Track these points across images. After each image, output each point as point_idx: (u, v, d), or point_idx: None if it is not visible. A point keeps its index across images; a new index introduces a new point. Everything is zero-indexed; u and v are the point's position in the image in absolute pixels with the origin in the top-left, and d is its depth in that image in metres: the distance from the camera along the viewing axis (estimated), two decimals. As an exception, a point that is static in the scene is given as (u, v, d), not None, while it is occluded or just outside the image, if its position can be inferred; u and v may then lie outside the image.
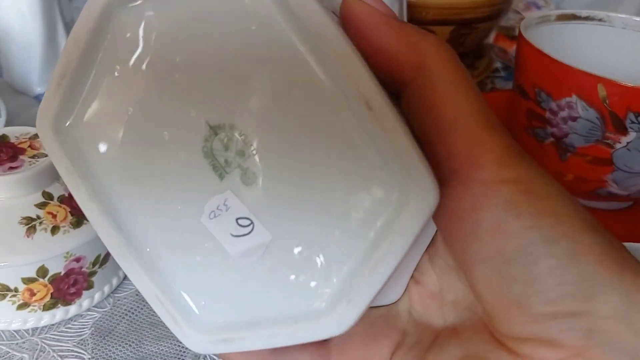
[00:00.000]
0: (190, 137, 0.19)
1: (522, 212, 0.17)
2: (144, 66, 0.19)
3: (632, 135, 0.41)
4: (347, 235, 0.19)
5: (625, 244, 0.34)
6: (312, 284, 0.19)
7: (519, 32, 0.46)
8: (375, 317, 0.22)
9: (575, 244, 0.17)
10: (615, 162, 0.43)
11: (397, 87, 0.19)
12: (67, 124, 0.20)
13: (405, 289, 0.22)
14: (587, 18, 0.51)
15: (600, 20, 0.51)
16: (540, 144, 0.46)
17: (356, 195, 0.18)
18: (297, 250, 0.19)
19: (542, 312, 0.17)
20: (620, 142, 0.42)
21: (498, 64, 0.73)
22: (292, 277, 0.19)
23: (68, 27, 0.58)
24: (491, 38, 0.76)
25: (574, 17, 0.51)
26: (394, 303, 0.22)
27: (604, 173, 0.44)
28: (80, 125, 0.20)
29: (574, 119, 0.42)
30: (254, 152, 0.19)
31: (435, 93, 0.18)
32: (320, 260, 0.19)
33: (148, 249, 0.20)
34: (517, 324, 0.18)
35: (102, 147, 0.20)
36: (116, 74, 0.19)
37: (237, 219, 0.19)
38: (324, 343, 0.22)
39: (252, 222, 0.19)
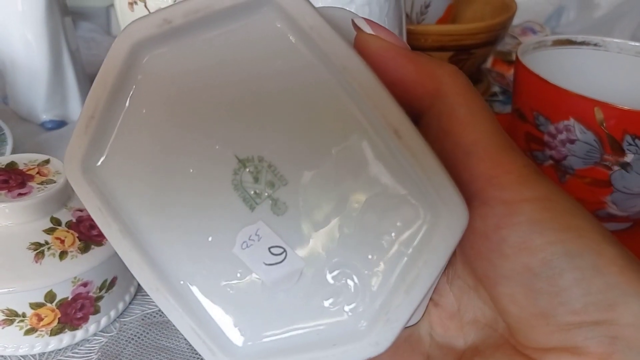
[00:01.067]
0: (219, 170, 0.20)
1: (545, 229, 0.18)
2: (170, 104, 0.20)
3: (629, 157, 0.42)
4: (381, 258, 0.19)
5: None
6: (348, 307, 0.20)
7: (517, 57, 0.47)
8: (400, 342, 0.22)
9: (598, 256, 0.17)
10: (613, 183, 0.43)
11: (415, 115, 0.20)
12: (97, 164, 0.20)
13: (425, 311, 0.23)
14: (582, 43, 0.52)
15: (595, 45, 0.52)
16: (540, 166, 0.47)
17: (388, 219, 0.19)
18: (331, 275, 0.20)
19: (567, 322, 0.18)
20: (618, 164, 0.42)
21: (496, 88, 0.74)
22: (328, 301, 0.20)
23: (73, 56, 0.59)
24: (489, 63, 0.77)
25: (570, 42, 0.52)
26: (415, 325, 0.23)
27: (603, 194, 0.45)
28: (109, 164, 0.20)
29: (572, 142, 0.43)
30: (284, 183, 0.19)
31: (453, 118, 0.19)
32: (355, 283, 0.20)
33: (181, 282, 0.21)
34: (543, 335, 0.18)
35: (131, 184, 0.20)
36: (144, 111, 0.20)
37: (269, 248, 0.20)
38: None
39: (284, 250, 0.20)
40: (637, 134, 0.40)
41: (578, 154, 0.43)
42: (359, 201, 0.19)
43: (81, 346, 0.38)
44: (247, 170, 0.19)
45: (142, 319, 0.40)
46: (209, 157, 0.20)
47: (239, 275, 0.20)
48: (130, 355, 0.37)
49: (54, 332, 0.36)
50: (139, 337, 0.38)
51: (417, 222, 0.19)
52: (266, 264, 0.20)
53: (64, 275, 0.35)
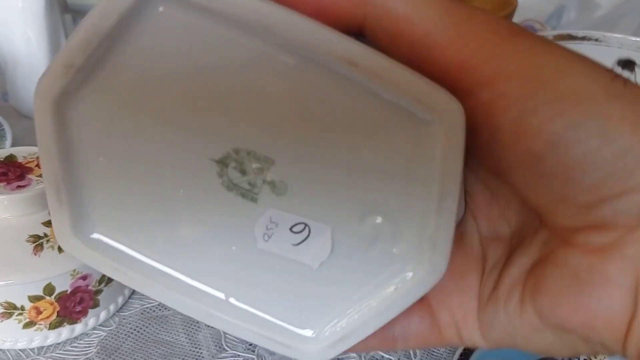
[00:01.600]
0: (204, 181, 0.19)
1: (538, 104, 0.16)
2: (123, 141, 0.19)
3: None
4: (401, 188, 0.18)
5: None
6: (394, 249, 0.19)
7: (517, 51, 0.47)
8: (454, 250, 0.20)
9: (604, 120, 0.15)
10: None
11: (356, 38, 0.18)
12: (92, 235, 0.20)
13: (466, 206, 0.22)
14: (583, 38, 0.52)
15: (596, 40, 0.52)
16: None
17: (389, 149, 0.18)
18: (362, 227, 0.19)
19: (587, 201, 0.16)
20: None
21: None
22: (373, 252, 0.19)
23: (73, 53, 0.59)
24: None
25: (571, 37, 0.52)
26: (461, 227, 0.22)
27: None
28: (103, 226, 0.20)
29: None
30: (271, 162, 0.19)
31: (393, 19, 0.17)
32: (389, 224, 0.19)
33: (231, 299, 0.20)
34: (567, 217, 0.17)
35: (134, 232, 0.20)
36: (103, 160, 0.19)
37: (290, 229, 0.19)
38: (423, 302, 0.21)
39: (305, 225, 0.19)
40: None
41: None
42: (352, 146, 0.18)
43: (80, 340, 0.37)
44: (230, 167, 0.19)
45: (142, 313, 0.40)
46: (188, 174, 0.19)
47: (277, 268, 0.20)
48: (129, 349, 0.37)
49: (52, 326, 0.36)
50: (138, 331, 0.38)
51: (417, 136, 0.18)
52: (295, 245, 0.19)
53: (62, 267, 0.34)
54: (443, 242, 0.18)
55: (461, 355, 0.36)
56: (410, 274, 0.19)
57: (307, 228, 0.19)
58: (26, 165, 0.37)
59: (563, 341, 0.18)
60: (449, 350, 0.39)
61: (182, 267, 0.20)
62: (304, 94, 0.18)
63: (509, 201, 0.20)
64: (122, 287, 0.39)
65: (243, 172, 0.19)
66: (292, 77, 0.18)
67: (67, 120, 0.18)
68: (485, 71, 0.16)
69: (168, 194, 0.19)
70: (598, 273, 0.17)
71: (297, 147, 0.18)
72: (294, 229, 0.19)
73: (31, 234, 0.35)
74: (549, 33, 0.51)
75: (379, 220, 0.19)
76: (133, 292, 0.41)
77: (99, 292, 0.37)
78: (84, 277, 0.36)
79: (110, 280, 0.38)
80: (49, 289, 0.35)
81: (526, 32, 0.16)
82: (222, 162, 0.19)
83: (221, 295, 0.20)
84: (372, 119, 0.18)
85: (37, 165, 0.37)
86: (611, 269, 0.16)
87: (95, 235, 0.20)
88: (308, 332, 0.21)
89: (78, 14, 0.81)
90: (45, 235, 0.35)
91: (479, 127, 0.17)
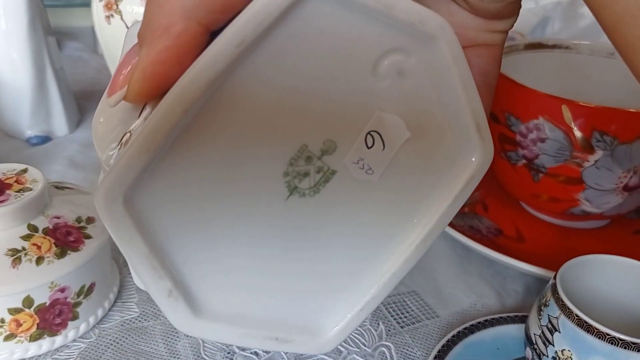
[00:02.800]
0: (296, 213, 0.20)
1: None
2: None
3: (599, 153, 0.42)
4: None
5: (603, 255, 0.35)
6: (412, 61, 0.20)
7: (487, 60, 0.48)
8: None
9: None
10: (585, 180, 0.44)
11: None
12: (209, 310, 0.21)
13: None
14: (554, 46, 0.53)
15: (567, 47, 0.53)
16: (514, 166, 0.47)
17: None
18: (381, 78, 0.20)
19: None
20: (588, 161, 0.43)
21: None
22: (406, 82, 0.20)
23: (57, 74, 0.60)
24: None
25: (541, 46, 0.53)
26: None
27: (576, 192, 0.45)
28: (217, 305, 0.21)
29: (543, 140, 0.44)
30: (305, 146, 0.19)
31: None
32: (394, 54, 0.20)
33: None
34: None
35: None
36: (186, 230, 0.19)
37: (369, 148, 0.21)
38: None
39: (368, 134, 0.20)
40: (605, 131, 0.41)
41: (549, 152, 0.44)
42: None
43: (60, 352, 0.38)
44: (298, 184, 0.20)
45: (121, 325, 0.40)
46: (282, 219, 0.20)
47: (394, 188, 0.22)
48: (109, 359, 0.37)
49: (33, 338, 0.37)
50: (117, 342, 0.39)
51: None
52: (383, 150, 0.21)
53: (40, 279, 0.35)
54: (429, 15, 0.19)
55: (435, 357, 0.36)
56: (443, 49, 0.20)
57: (373, 134, 0.21)
58: (5, 181, 0.38)
59: None
60: (425, 351, 0.40)
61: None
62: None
63: None
64: (102, 299, 0.40)
65: (306, 174, 0.20)
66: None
67: (141, 208, 0.18)
68: None
69: (268, 249, 0.21)
70: None
71: (310, 121, 0.19)
72: (369, 145, 0.21)
73: (9, 247, 0.35)
74: (520, 42, 0.52)
75: (388, 59, 0.20)
76: (113, 304, 0.41)
77: (77, 304, 0.38)
78: (62, 290, 0.36)
79: (89, 292, 0.38)
80: (27, 302, 0.35)
81: None
82: (291, 188, 0.20)
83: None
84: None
85: (16, 181, 0.38)
86: None
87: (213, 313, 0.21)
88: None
89: (66, 36, 0.83)
90: (24, 248, 0.36)
91: None
